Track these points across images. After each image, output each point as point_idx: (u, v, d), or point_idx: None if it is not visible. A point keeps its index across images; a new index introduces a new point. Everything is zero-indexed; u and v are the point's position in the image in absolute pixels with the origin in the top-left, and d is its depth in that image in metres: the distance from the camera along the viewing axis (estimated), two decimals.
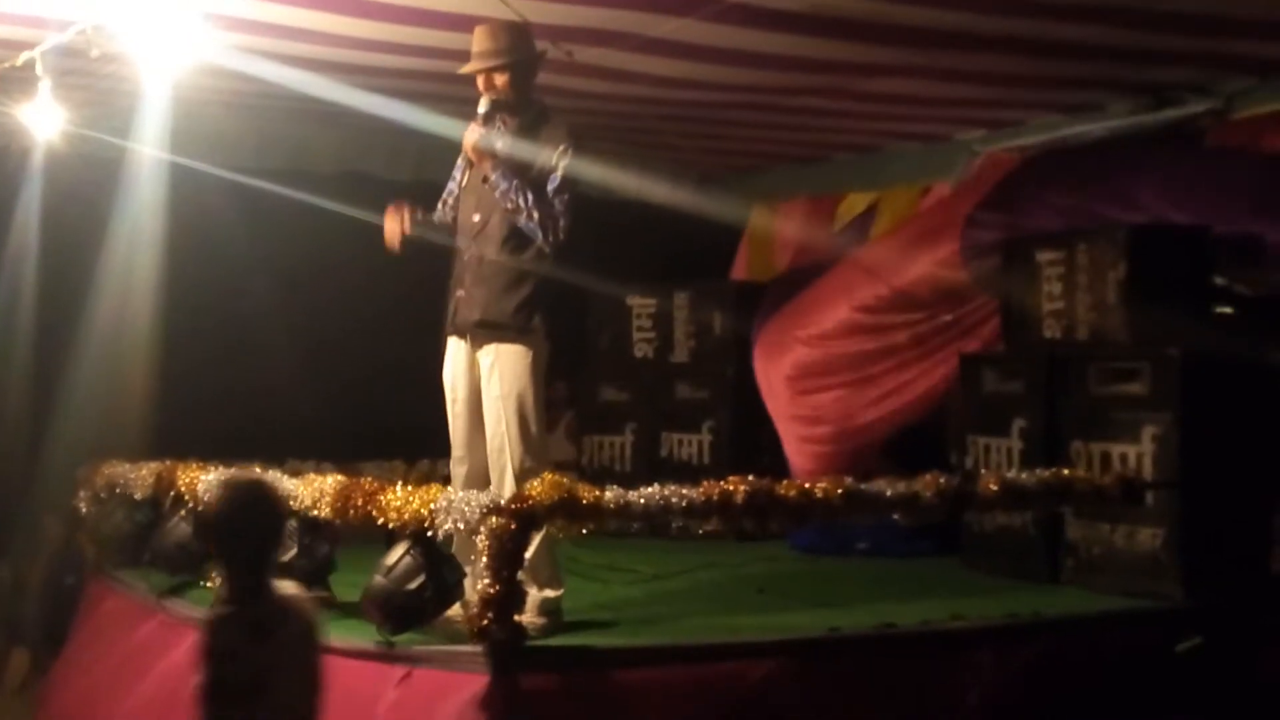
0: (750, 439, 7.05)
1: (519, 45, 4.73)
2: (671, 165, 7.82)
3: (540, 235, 4.64)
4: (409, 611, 4.17)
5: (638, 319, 7.64)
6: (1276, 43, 5.73)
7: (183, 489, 5.18)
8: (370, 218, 6.64)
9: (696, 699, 4.11)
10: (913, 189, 7.58)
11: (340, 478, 4.59)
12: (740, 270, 8.24)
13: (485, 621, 3.88)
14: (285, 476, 4.81)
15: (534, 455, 4.64)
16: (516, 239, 4.69)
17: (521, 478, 4.49)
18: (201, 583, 5.09)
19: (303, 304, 7.12)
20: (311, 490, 4.55)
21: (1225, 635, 4.77)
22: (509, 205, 4.64)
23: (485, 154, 4.67)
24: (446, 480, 4.96)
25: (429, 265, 7.52)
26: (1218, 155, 6.02)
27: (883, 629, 4.53)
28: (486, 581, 3.90)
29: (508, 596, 3.90)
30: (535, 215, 4.61)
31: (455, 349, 4.83)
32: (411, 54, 5.81)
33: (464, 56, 5.72)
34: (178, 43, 4.93)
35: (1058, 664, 4.57)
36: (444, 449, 7.14)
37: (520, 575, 4.07)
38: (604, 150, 6.38)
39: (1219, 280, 5.53)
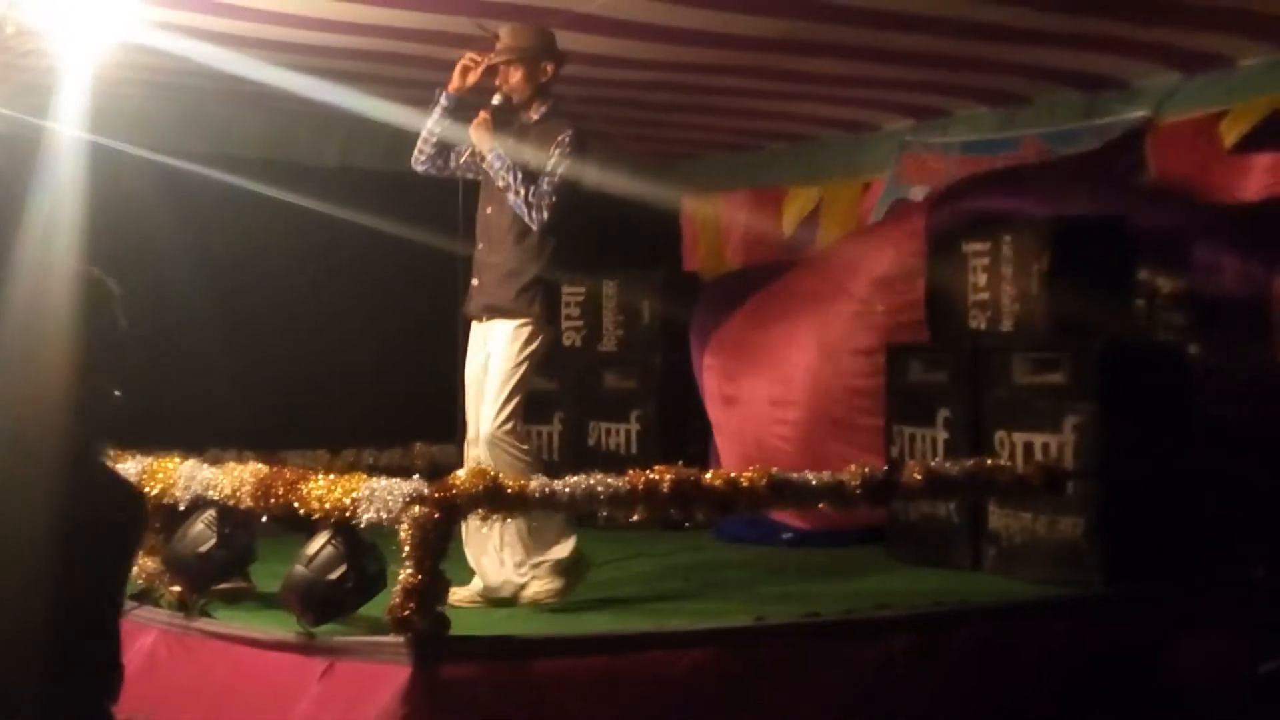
0: (678, 429, 7.03)
1: (537, 47, 5.01)
2: (602, 152, 7.79)
3: (525, 212, 4.89)
4: (330, 602, 4.11)
5: (566, 307, 7.59)
6: (1202, 32, 5.81)
7: None
8: (295, 201, 6.57)
9: (623, 689, 4.10)
10: (853, 185, 7.61)
11: (261, 467, 4.52)
12: (693, 262, 8.20)
13: (407, 612, 3.84)
14: (205, 465, 4.73)
15: (510, 433, 4.84)
16: (520, 227, 4.95)
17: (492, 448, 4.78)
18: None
19: (225, 289, 6.98)
20: (232, 479, 4.48)
21: (1146, 624, 4.84)
22: (500, 182, 4.91)
23: (485, 136, 4.91)
24: (372, 470, 4.92)
25: (354, 251, 7.43)
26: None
27: (808, 618, 4.53)
28: (409, 570, 3.86)
29: (430, 586, 3.86)
30: (522, 192, 4.87)
31: (473, 336, 5.11)
32: (340, 31, 5.73)
33: (390, 33, 5.71)
34: (97, 19, 4.83)
35: (980, 651, 4.61)
36: (370, 438, 7.11)
37: (517, 549, 4.43)
38: None
39: (1142, 273, 5.60)
